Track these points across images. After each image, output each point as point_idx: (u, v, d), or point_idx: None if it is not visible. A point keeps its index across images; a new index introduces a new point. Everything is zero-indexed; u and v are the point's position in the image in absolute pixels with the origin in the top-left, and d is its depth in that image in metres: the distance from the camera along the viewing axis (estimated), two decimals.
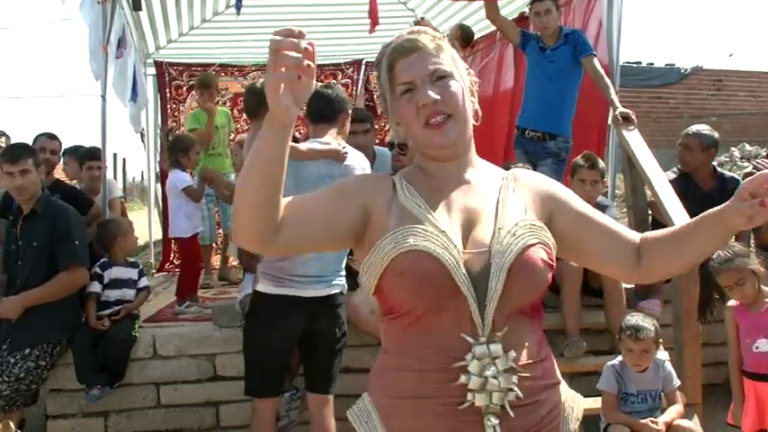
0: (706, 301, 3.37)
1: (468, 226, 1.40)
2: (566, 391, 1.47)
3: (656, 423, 3.19)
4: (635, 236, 1.50)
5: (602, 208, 4.14)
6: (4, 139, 5.90)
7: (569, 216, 1.48)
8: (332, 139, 3.25)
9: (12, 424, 3.60)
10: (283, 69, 1.20)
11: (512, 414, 1.32)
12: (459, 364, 1.31)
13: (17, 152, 3.85)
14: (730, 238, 1.32)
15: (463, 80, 1.46)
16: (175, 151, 5.09)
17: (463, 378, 1.31)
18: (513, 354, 1.33)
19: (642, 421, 3.20)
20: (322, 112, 3.30)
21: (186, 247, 4.97)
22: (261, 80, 5.40)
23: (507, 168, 1.59)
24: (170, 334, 4.12)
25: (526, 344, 1.37)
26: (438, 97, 1.40)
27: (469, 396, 1.31)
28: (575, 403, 1.48)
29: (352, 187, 1.49)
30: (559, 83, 4.78)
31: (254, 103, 3.59)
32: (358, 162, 3.30)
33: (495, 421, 1.31)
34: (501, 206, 1.42)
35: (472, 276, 1.33)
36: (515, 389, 1.32)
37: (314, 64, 1.22)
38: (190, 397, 4.05)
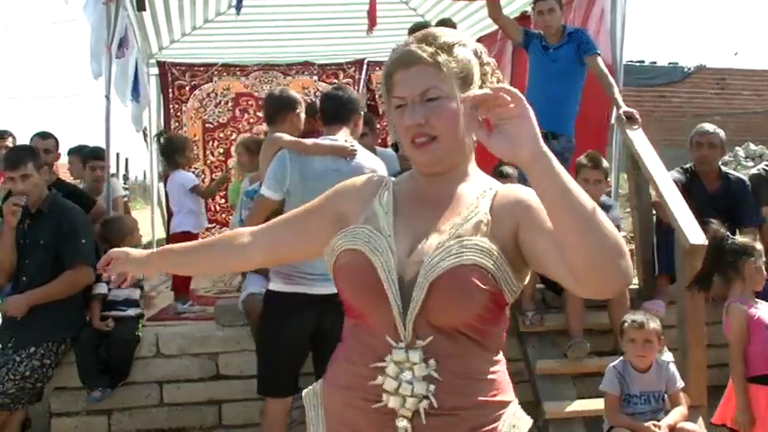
0: (706, 276, 3.34)
1: (422, 237, 1.40)
2: (511, 411, 1.43)
3: (659, 427, 3.17)
4: None
5: (605, 208, 4.14)
6: (10, 139, 5.89)
7: (530, 232, 1.37)
8: (342, 137, 3.30)
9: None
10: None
11: (424, 421, 1.34)
12: (379, 364, 1.37)
13: (17, 157, 3.85)
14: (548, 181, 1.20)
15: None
16: (171, 153, 5.09)
17: (380, 378, 1.36)
18: (433, 363, 1.35)
19: (646, 425, 3.18)
20: (334, 112, 3.38)
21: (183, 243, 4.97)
22: (279, 87, 5.46)
23: (498, 168, 1.59)
24: (173, 333, 4.13)
25: (458, 360, 1.36)
26: (422, 121, 1.40)
27: (384, 397, 1.36)
28: (517, 425, 1.42)
29: (331, 195, 1.60)
30: (562, 82, 4.77)
31: (270, 110, 3.71)
32: (368, 161, 3.30)
33: (405, 424, 1.35)
34: (458, 222, 1.40)
35: (403, 283, 1.37)
36: (431, 397, 1.34)
37: None
38: (192, 396, 4.07)
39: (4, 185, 4.88)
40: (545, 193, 1.23)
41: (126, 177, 18.18)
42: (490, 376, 1.41)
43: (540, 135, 1.22)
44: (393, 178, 1.60)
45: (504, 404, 1.42)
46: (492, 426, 1.38)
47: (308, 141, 3.32)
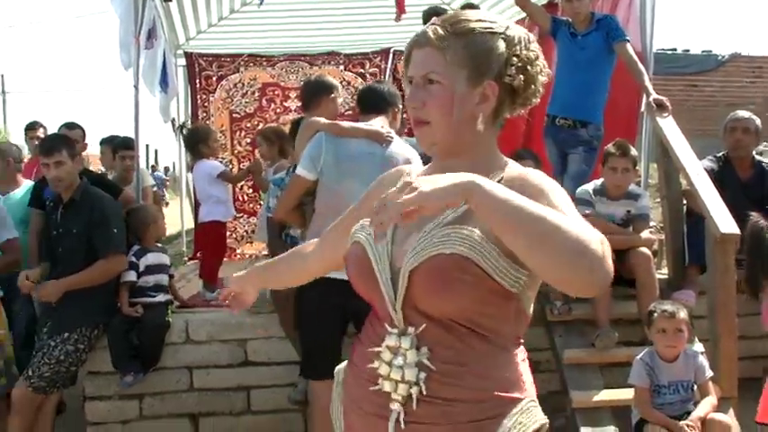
0: (754, 276, 3.13)
1: (418, 225, 1.38)
2: (521, 408, 1.38)
3: (693, 427, 3.12)
4: None
5: (634, 197, 4.11)
6: (41, 130, 6.00)
7: None
8: (378, 124, 3.37)
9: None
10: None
11: (414, 407, 1.35)
12: (376, 349, 1.42)
13: (52, 144, 3.93)
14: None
15: (470, 83, 1.39)
16: (195, 143, 5.15)
17: (376, 363, 1.41)
18: (425, 350, 1.36)
19: (680, 424, 3.14)
20: (373, 102, 3.48)
21: (211, 234, 5.05)
22: (314, 75, 5.53)
23: (518, 154, 1.59)
24: (202, 320, 4.19)
25: (454, 351, 1.36)
26: (419, 104, 1.42)
27: (379, 380, 1.40)
28: (525, 422, 1.37)
29: (368, 193, 1.64)
30: (591, 69, 4.73)
31: (306, 95, 3.83)
32: (404, 150, 3.34)
33: (398, 407, 1.37)
34: (453, 209, 1.35)
35: (394, 272, 1.40)
36: (421, 384, 1.35)
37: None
38: (221, 381, 4.12)
39: (37, 174, 4.97)
40: (490, 224, 1.23)
41: (155, 168, 18.41)
42: (496, 372, 1.37)
43: (459, 175, 1.21)
44: (421, 168, 1.62)
45: (514, 401, 1.37)
46: (495, 419, 1.35)
47: (345, 124, 3.42)
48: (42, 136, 5.57)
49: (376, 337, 1.44)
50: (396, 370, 1.37)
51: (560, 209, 1.27)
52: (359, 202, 1.67)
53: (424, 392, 1.35)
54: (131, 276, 4.02)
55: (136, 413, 4.10)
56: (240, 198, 7.63)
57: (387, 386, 1.39)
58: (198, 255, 6.98)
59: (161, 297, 4.10)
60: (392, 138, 3.33)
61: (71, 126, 5.21)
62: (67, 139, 4.09)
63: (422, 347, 1.36)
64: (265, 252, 6.06)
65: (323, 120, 3.50)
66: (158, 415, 4.12)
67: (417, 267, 1.34)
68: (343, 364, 1.61)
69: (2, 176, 4.70)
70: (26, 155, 6.14)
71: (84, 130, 5.32)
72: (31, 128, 6.07)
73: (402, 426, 1.37)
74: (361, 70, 8.11)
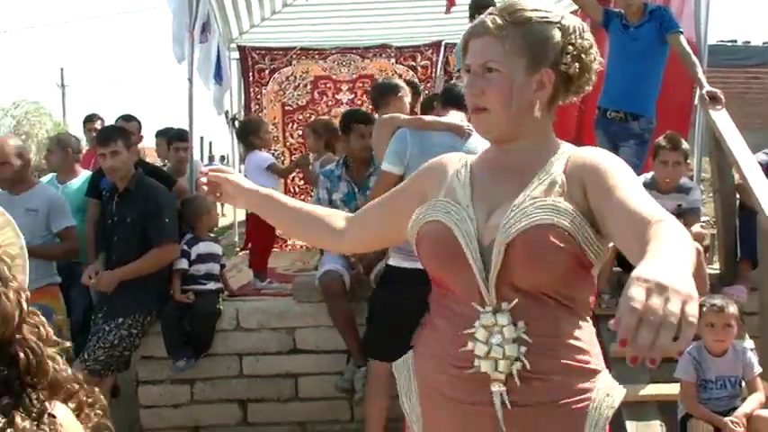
0: None
1: (498, 202, 1.43)
2: (604, 380, 1.44)
3: (738, 424, 3.07)
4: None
5: (685, 191, 4.04)
6: (99, 122, 6.20)
7: (595, 195, 1.36)
8: (457, 118, 3.50)
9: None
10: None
11: (518, 383, 1.36)
12: (468, 331, 1.39)
13: (108, 134, 4.07)
14: None
15: (527, 71, 1.43)
16: (247, 135, 5.25)
17: (470, 344, 1.38)
18: (522, 325, 1.36)
19: (724, 420, 3.10)
20: (452, 98, 3.60)
21: (261, 224, 5.14)
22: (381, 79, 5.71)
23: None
24: (252, 308, 4.28)
25: (546, 323, 1.38)
26: (478, 92, 1.45)
27: (476, 362, 1.38)
28: (611, 394, 1.43)
29: (417, 175, 1.65)
30: (643, 61, 4.64)
31: (375, 96, 4.14)
32: (482, 145, 3.37)
33: (501, 388, 1.37)
34: (531, 185, 1.41)
35: (483, 249, 1.40)
36: (522, 359, 1.35)
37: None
38: (270, 368, 4.21)
39: (94, 165, 5.15)
40: None
41: (212, 158, 18.76)
42: (580, 342, 1.42)
43: (669, 268, 1.00)
44: (474, 155, 1.64)
45: (596, 372, 1.43)
46: (586, 395, 1.39)
47: (427, 118, 3.56)
48: (99, 128, 5.76)
49: (459, 320, 1.42)
50: (495, 348, 1.36)
51: (627, 185, 1.32)
52: (406, 183, 1.69)
53: (528, 367, 1.36)
54: (183, 264, 4.12)
55: (187, 397, 4.23)
56: (291, 190, 7.73)
57: (485, 366, 1.37)
58: (249, 245, 7.14)
59: (212, 285, 4.20)
60: (472, 131, 3.40)
61: (128, 118, 5.38)
62: (123, 131, 4.22)
63: (518, 322, 1.37)
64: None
65: (402, 115, 3.64)
66: (209, 400, 4.23)
67: (513, 241, 1.36)
68: (405, 356, 1.60)
69: (61, 166, 4.89)
70: (84, 146, 6.35)
71: (140, 123, 5.48)
72: (90, 120, 6.28)
73: (509, 407, 1.37)
74: (413, 63, 8.13)
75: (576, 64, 1.45)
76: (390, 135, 3.51)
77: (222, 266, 4.40)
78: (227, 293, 4.40)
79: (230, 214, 8.31)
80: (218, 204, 5.05)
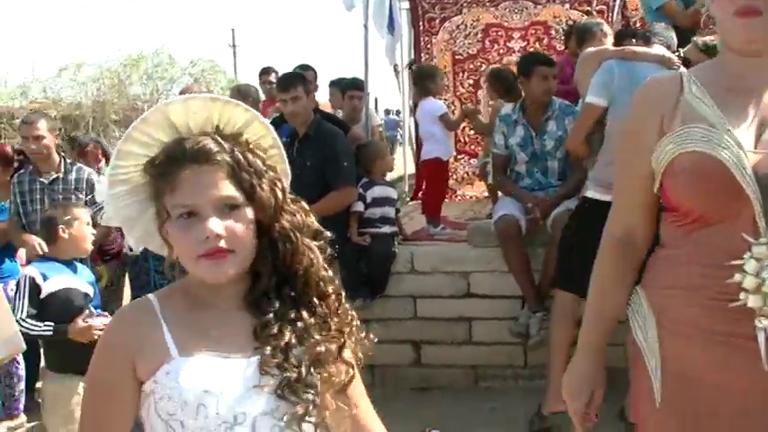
0: None
1: (764, 126, 1.29)
2: None
3: None
4: None
5: None
6: (273, 75, 6.45)
7: None
8: (661, 50, 3.44)
9: None
10: None
11: None
12: (736, 262, 1.29)
13: (288, 81, 4.20)
14: None
15: None
16: (422, 80, 5.23)
17: (738, 277, 1.29)
18: None
19: None
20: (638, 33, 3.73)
21: (432, 171, 5.15)
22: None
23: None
24: (426, 252, 4.32)
25: None
26: None
27: (742, 295, 1.28)
28: None
29: (637, 112, 1.50)
30: None
31: (578, 37, 4.40)
32: None
33: (766, 323, 1.26)
34: None
35: (758, 177, 1.27)
36: None
37: None
38: (443, 311, 4.23)
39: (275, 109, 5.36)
40: None
41: (389, 111, 19.16)
42: None
43: None
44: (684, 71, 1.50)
45: None
46: None
47: (636, 48, 3.47)
48: (273, 81, 5.99)
49: (721, 253, 1.32)
50: None
51: None
52: (633, 126, 1.53)
53: None
54: (359, 207, 4.21)
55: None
56: (462, 140, 7.66)
57: (753, 301, 1.28)
58: (420, 194, 7.20)
59: (387, 228, 4.26)
60: (679, 64, 3.28)
61: (305, 68, 5.53)
62: (303, 77, 4.34)
63: None
64: (486, 194, 6.07)
65: (610, 47, 3.59)
66: (383, 340, 4.27)
67: None
68: (635, 295, 1.52)
69: None
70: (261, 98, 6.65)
71: (316, 72, 5.62)
72: (265, 72, 6.56)
73: None
74: (587, 8, 7.69)
75: None
76: (595, 69, 3.43)
77: (397, 210, 4.45)
78: (401, 237, 4.46)
79: (400, 167, 8.39)
80: None
